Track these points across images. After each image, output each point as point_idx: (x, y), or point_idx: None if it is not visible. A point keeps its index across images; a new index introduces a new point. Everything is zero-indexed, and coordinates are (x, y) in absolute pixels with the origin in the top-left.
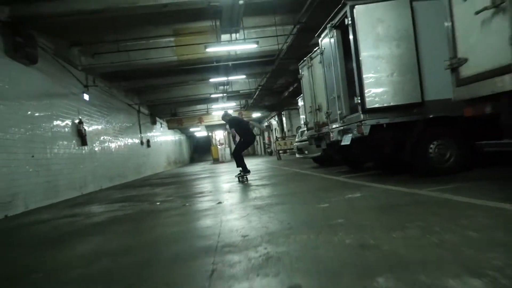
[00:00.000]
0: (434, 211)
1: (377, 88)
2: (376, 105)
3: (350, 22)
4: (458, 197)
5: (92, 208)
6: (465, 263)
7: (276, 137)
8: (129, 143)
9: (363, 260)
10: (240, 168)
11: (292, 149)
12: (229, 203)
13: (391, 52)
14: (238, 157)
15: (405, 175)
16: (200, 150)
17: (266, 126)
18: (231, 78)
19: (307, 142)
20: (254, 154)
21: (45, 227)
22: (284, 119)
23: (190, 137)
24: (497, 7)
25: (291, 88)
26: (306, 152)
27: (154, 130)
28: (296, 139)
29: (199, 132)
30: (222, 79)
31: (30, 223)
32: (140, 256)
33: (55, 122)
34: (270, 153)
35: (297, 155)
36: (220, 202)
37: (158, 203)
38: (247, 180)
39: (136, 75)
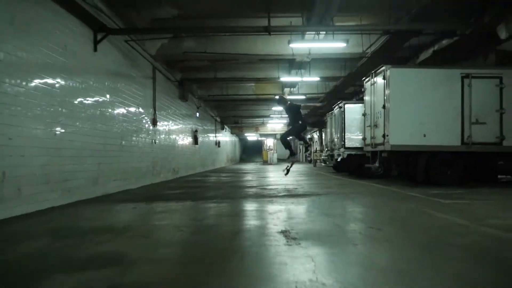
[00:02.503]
0: (358, 185)
1: (351, 139)
2: (350, 145)
3: (343, 110)
4: (372, 183)
5: (212, 177)
6: (338, 187)
7: (316, 148)
8: (210, 144)
9: (318, 185)
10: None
11: None
12: (285, 178)
13: (357, 125)
14: (285, 141)
15: (364, 177)
16: (249, 152)
17: (309, 138)
18: None
19: (327, 157)
20: (296, 160)
21: (210, 178)
22: (323, 135)
23: (242, 140)
24: (364, 115)
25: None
26: (327, 162)
27: (221, 134)
28: (323, 154)
29: (250, 136)
30: (281, 108)
31: (198, 179)
32: (265, 176)
33: (187, 131)
34: (310, 161)
35: (322, 164)
36: (286, 172)
37: (251, 178)
38: (291, 165)
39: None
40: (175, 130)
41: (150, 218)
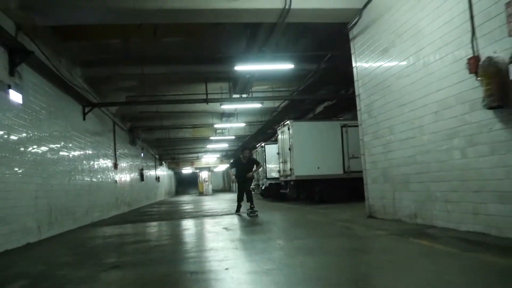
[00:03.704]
0: (275, 206)
1: (272, 171)
2: (271, 176)
3: (264, 149)
4: (285, 204)
5: (160, 207)
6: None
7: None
8: (151, 179)
9: (247, 207)
10: (250, 205)
11: None
12: (222, 204)
13: (276, 160)
14: (251, 194)
15: (282, 200)
16: (184, 184)
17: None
18: (221, 146)
19: (255, 186)
20: (229, 190)
21: (160, 209)
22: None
23: (177, 173)
24: (278, 153)
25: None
26: (255, 190)
27: (160, 170)
28: (252, 184)
29: (186, 170)
30: (215, 146)
31: (150, 210)
32: (204, 205)
33: (135, 169)
34: None
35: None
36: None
37: (192, 206)
38: (257, 215)
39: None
40: (127, 170)
41: (143, 230)
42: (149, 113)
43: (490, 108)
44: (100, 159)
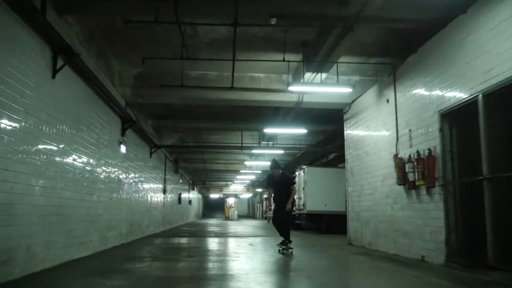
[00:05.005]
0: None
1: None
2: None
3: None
4: (298, 232)
5: (194, 227)
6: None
7: (269, 208)
8: (185, 202)
9: (267, 231)
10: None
11: None
12: (245, 230)
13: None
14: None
15: (296, 229)
16: (210, 208)
17: (265, 198)
18: (248, 177)
19: None
20: (253, 217)
21: (194, 228)
22: None
23: (204, 197)
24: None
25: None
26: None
27: (191, 193)
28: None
29: (214, 195)
30: (244, 177)
31: (187, 229)
32: (232, 228)
33: (176, 194)
34: (265, 218)
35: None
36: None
37: (221, 229)
38: (291, 253)
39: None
40: (170, 194)
41: (192, 241)
42: (193, 149)
43: (399, 184)
44: (156, 186)
